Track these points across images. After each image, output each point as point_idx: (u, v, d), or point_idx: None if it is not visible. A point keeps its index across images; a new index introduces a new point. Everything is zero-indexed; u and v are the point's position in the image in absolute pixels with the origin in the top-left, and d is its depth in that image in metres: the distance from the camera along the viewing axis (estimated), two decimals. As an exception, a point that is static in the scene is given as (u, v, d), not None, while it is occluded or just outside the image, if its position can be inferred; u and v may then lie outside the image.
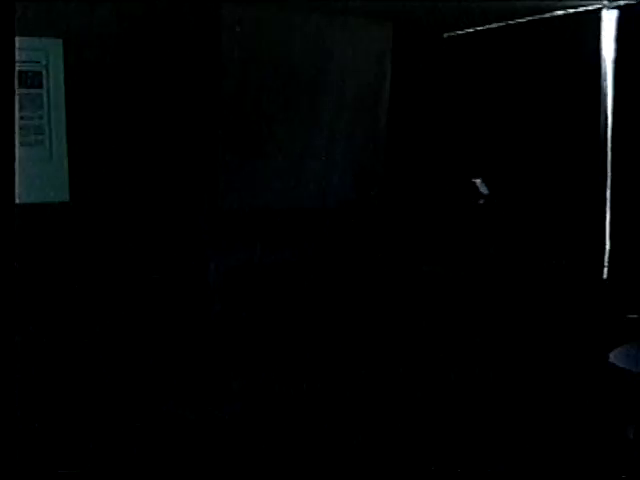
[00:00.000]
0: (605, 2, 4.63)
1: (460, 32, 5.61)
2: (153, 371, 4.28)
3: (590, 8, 4.70)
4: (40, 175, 4.24)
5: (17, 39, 2.17)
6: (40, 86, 4.24)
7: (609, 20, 4.66)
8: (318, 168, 5.31)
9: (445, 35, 5.71)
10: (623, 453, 3.49)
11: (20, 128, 4.14)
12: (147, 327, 4.40)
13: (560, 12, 4.83)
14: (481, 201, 5.30)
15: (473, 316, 4.74)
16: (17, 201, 2.12)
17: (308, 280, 4.99)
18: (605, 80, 4.69)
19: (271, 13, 4.93)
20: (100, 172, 4.38)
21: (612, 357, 3.70)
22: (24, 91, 4.18)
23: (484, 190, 5.31)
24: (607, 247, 4.72)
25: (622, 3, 4.58)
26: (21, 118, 4.16)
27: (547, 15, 4.90)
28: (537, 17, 4.96)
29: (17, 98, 4.09)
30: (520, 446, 3.68)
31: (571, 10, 4.79)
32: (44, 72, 4.24)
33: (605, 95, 4.70)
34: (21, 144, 4.14)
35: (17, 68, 4.05)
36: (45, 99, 4.25)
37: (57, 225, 4.27)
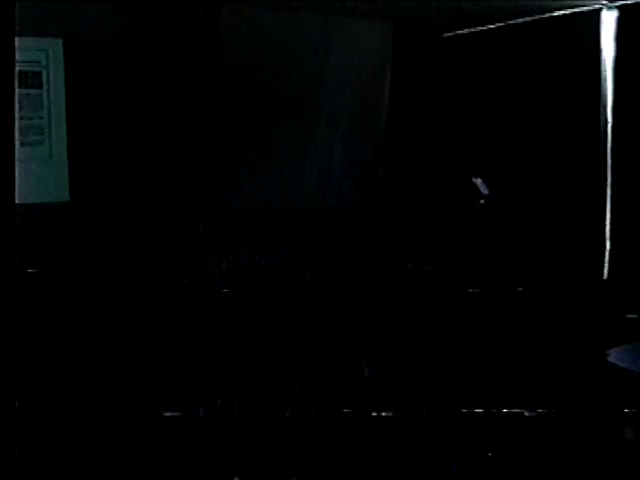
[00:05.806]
0: (605, 2, 4.64)
1: (460, 32, 5.61)
2: (153, 370, 4.28)
3: (590, 8, 4.70)
4: (40, 175, 4.24)
5: (17, 39, 2.17)
6: (40, 86, 4.24)
7: (609, 20, 4.66)
8: (318, 168, 5.31)
9: (445, 35, 5.71)
10: (622, 453, 3.49)
11: (20, 128, 4.14)
12: (146, 326, 4.40)
13: (560, 12, 4.84)
14: (481, 201, 5.30)
15: (473, 315, 4.74)
16: (17, 201, 2.12)
17: (308, 280, 4.99)
18: (605, 80, 4.69)
19: (271, 13, 4.93)
20: (100, 172, 4.38)
21: (612, 357, 3.70)
22: (24, 91, 4.18)
23: (484, 190, 5.31)
24: (607, 247, 4.72)
25: (622, 3, 4.58)
26: (21, 118, 4.17)
27: (547, 15, 4.90)
28: (537, 17, 4.96)
29: (17, 98, 4.09)
30: (519, 446, 3.68)
31: (571, 10, 4.79)
32: (44, 72, 4.24)
33: (605, 95, 4.70)
34: (21, 144, 4.14)
35: (17, 68, 4.05)
36: (45, 99, 4.25)
37: (57, 225, 4.27)
